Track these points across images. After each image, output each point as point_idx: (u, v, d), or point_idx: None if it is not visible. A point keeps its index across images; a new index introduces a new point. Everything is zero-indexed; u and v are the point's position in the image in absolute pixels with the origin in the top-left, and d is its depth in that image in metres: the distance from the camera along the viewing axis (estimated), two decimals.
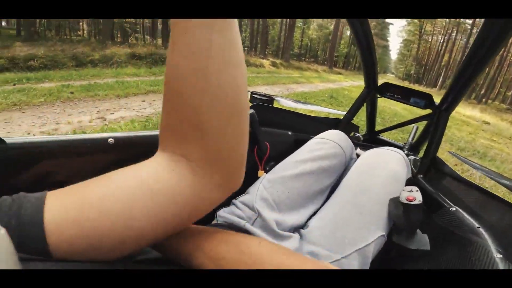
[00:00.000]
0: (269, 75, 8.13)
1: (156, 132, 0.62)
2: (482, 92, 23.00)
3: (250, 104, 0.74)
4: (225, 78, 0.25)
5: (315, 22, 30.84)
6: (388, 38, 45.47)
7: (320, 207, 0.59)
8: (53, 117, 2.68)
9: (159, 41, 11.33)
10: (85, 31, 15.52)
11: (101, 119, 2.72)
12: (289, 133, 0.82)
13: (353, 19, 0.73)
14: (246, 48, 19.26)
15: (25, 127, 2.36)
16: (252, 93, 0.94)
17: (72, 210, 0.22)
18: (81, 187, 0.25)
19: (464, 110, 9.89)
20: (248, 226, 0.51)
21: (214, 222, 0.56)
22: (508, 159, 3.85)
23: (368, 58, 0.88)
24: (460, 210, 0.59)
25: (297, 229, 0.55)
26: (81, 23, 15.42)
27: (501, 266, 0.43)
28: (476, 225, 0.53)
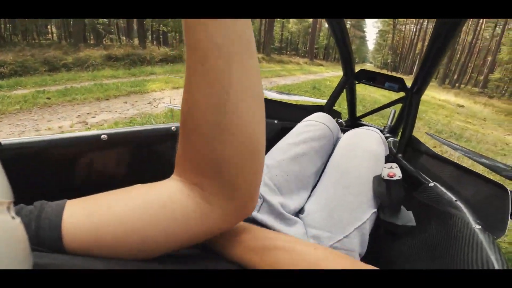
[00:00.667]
0: None
1: (149, 127, 0.62)
2: (455, 77, 24.14)
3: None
4: (244, 114, 0.24)
5: None
6: (365, 29, 46.51)
7: (313, 189, 0.60)
8: (31, 124, 2.56)
9: (136, 41, 10.97)
10: (55, 34, 14.74)
11: (83, 123, 2.63)
12: (275, 121, 0.84)
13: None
14: None
15: (3, 136, 2.25)
16: None
17: (92, 218, 0.23)
18: (102, 198, 0.25)
19: (439, 95, 10.36)
20: (255, 214, 0.51)
21: None
22: (483, 139, 4.08)
23: (344, 48, 0.93)
24: (438, 185, 0.62)
25: (297, 213, 0.56)
26: (49, 26, 14.62)
27: (481, 236, 0.44)
28: (454, 198, 0.56)
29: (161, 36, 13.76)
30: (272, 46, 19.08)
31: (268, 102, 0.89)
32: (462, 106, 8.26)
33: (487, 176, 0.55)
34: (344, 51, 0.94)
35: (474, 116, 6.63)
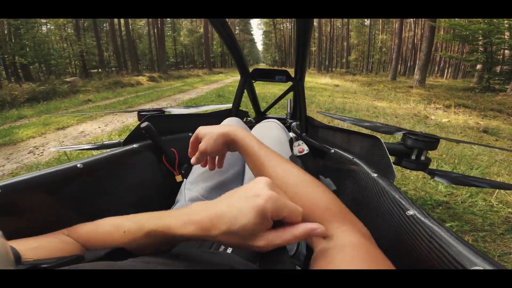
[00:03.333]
0: (151, 91, 7.62)
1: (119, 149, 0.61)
2: (327, 63, 29.53)
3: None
4: None
5: (184, 28, 30.71)
6: (252, 32, 50.71)
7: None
8: None
9: None
10: None
11: None
12: (190, 134, 0.84)
13: (213, 19, 0.78)
14: (114, 69, 17.18)
15: None
16: (139, 111, 0.92)
17: None
18: None
19: (320, 80, 12.31)
20: None
21: None
22: (358, 108, 4.95)
23: (235, 52, 0.99)
24: (337, 150, 0.71)
25: None
26: None
27: (381, 182, 0.49)
28: (351, 157, 0.63)
29: (20, 70, 11.06)
30: (167, 62, 18.43)
31: (177, 117, 0.89)
32: (338, 85, 10.00)
33: (364, 133, 0.64)
34: (236, 54, 1.00)
35: (348, 91, 8.20)
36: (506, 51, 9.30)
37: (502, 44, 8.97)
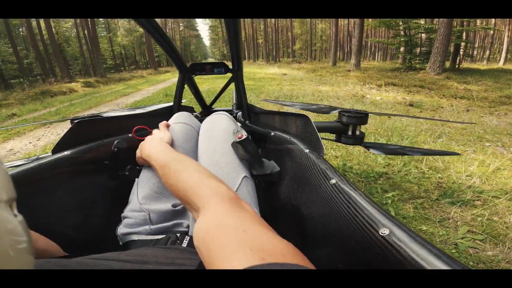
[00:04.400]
0: (88, 98, 6.89)
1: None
2: (274, 53, 30.34)
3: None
4: None
5: (121, 28, 28.09)
6: (198, 28, 48.95)
7: None
8: None
9: None
10: None
11: None
12: (130, 135, 0.80)
13: (140, 19, 0.74)
14: (39, 77, 14.98)
15: None
16: (72, 119, 0.85)
17: None
18: None
19: (269, 70, 12.63)
20: (149, 227, 0.52)
21: (123, 242, 0.53)
22: (305, 93, 5.26)
23: (168, 49, 0.95)
24: (277, 132, 0.75)
25: None
26: None
27: (311, 156, 0.52)
28: (288, 137, 0.67)
29: None
30: (105, 65, 16.74)
31: (113, 119, 0.83)
32: (286, 74, 10.42)
33: (296, 112, 0.68)
34: (170, 51, 0.97)
35: (295, 79, 8.60)
36: (423, 35, 10.75)
37: (419, 29, 10.33)
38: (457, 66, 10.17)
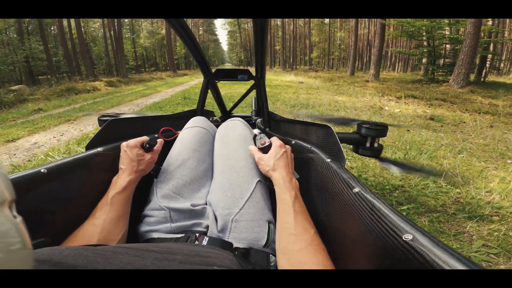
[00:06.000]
0: (110, 97, 7.17)
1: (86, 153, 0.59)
2: (291, 61, 30.40)
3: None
4: None
5: (144, 30, 29.23)
6: (217, 32, 49.93)
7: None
8: None
9: None
10: None
11: None
12: (156, 135, 0.84)
13: (171, 19, 0.77)
14: (65, 74, 15.78)
15: None
16: (99, 117, 0.88)
17: None
18: None
19: (286, 78, 12.64)
20: (169, 225, 0.54)
21: (143, 239, 0.55)
22: (321, 103, 5.19)
23: (196, 53, 0.98)
24: (298, 141, 0.75)
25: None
26: None
27: (333, 166, 0.53)
28: (309, 146, 0.68)
29: None
30: (127, 66, 17.41)
31: (140, 119, 0.85)
32: (302, 82, 10.38)
33: (318, 122, 0.69)
34: (198, 56, 1.00)
35: (311, 87, 8.55)
36: (447, 45, 10.42)
37: (443, 39, 10.03)
38: (482, 79, 9.74)
